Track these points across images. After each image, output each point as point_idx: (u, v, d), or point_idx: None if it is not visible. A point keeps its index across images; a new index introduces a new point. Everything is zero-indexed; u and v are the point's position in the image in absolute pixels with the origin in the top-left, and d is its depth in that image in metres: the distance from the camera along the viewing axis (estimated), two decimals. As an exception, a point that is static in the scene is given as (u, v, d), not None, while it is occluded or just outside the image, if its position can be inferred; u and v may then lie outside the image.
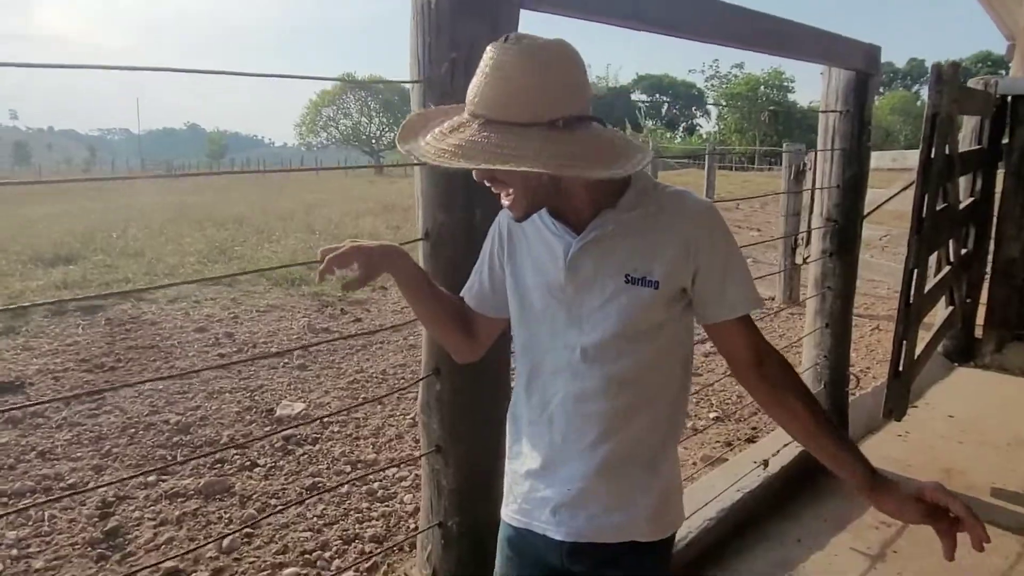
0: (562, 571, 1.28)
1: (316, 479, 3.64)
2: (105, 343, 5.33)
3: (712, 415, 4.50)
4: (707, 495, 2.79)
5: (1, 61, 1.11)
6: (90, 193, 20.69)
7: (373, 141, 58.07)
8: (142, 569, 2.90)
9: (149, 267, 7.84)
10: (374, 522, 3.28)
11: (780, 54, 2.55)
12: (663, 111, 79.13)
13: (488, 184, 1.10)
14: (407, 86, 1.54)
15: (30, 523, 3.25)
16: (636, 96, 76.03)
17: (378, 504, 3.43)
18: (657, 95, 79.46)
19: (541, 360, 1.26)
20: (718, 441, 4.10)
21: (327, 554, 3.02)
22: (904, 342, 2.94)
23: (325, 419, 4.33)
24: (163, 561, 2.95)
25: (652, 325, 1.19)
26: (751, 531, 2.81)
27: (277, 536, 3.14)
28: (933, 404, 4.24)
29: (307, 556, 3.00)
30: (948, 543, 1.08)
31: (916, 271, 2.93)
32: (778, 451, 3.16)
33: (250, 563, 2.96)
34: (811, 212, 3.42)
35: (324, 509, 3.36)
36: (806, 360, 3.44)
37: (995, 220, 4.66)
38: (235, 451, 3.95)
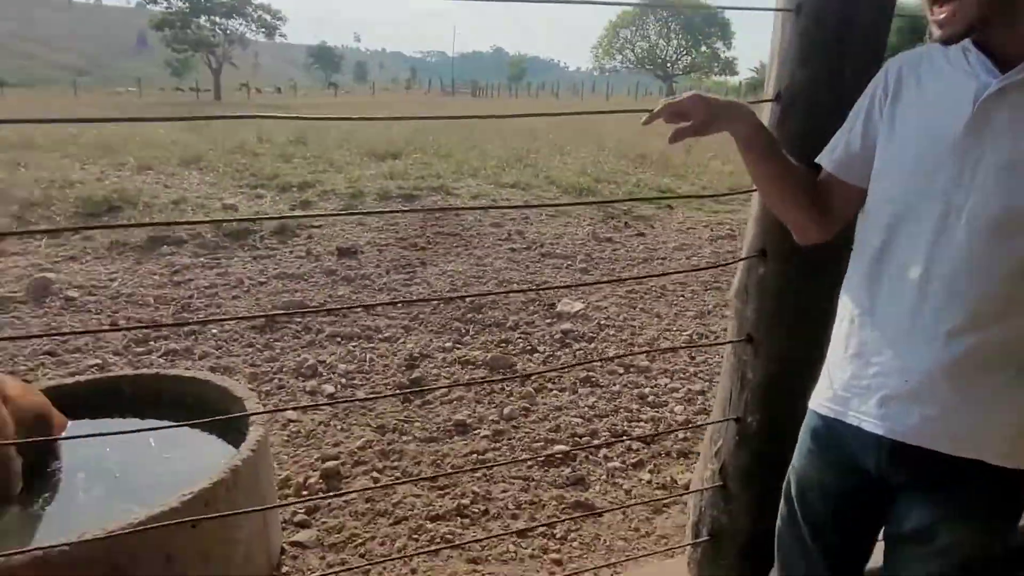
0: (874, 479, 1.08)
1: (589, 373, 3.73)
2: (419, 226, 6.04)
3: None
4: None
5: None
6: (412, 107, 23.38)
7: (668, 65, 56.28)
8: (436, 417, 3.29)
9: (456, 166, 8.64)
10: (642, 424, 3.28)
11: None
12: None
13: None
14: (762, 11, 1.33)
15: (355, 361, 3.86)
16: None
17: (648, 408, 3.42)
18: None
19: (904, 221, 1.02)
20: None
21: (595, 442, 3.10)
22: None
23: (603, 322, 4.41)
24: (454, 414, 3.30)
25: None
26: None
27: (551, 416, 3.31)
28: None
29: (576, 439, 3.11)
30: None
31: None
32: None
33: (526, 432, 3.16)
34: None
35: (595, 402, 3.45)
36: None
37: None
38: (518, 334, 4.23)
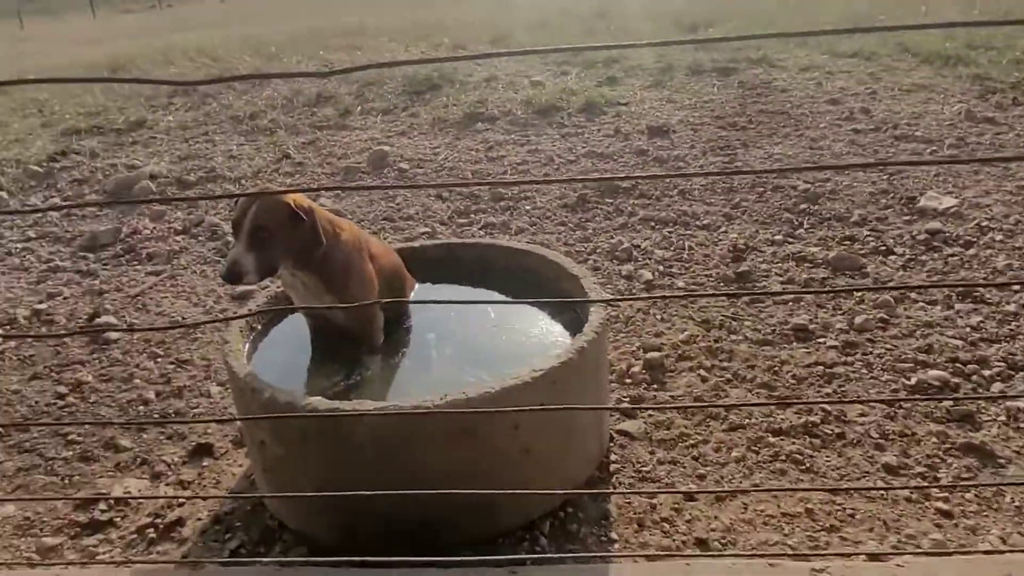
0: None
1: (970, 288, 2.96)
2: (737, 104, 5.37)
3: None
4: None
5: None
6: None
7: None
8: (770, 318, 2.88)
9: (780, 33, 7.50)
10: (1057, 358, 2.51)
11: None
12: None
13: None
14: None
15: (671, 248, 3.56)
16: None
17: (1064, 338, 2.60)
18: None
19: None
20: None
21: (986, 372, 2.44)
22: None
23: (984, 223, 3.48)
24: (791, 316, 2.86)
25: None
26: None
27: (919, 333, 2.69)
28: None
29: (958, 366, 2.48)
30: None
31: None
32: None
33: (886, 348, 2.61)
34: None
35: (981, 323, 2.72)
36: None
37: None
38: (866, 230, 3.53)
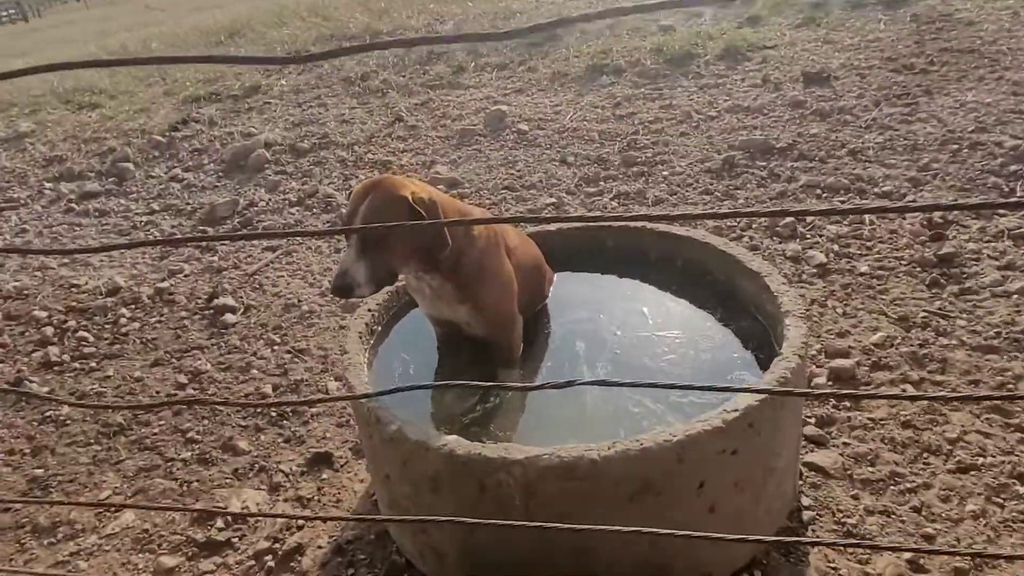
0: None
1: None
2: (912, 42, 4.53)
3: None
4: None
5: None
6: None
7: None
8: None
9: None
10: None
11: None
12: None
13: None
14: None
15: (847, 221, 2.98)
16: None
17: None
18: None
19: None
20: None
21: None
22: None
23: None
24: (1020, 314, 2.26)
25: None
26: None
27: None
28: None
29: None
30: None
31: None
32: None
33: None
34: None
35: None
36: None
37: None
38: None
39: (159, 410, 2.48)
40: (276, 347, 2.77)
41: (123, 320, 3.09)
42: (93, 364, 2.82)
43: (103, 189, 4.59)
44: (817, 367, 2.20)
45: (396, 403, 1.59)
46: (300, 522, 1.91)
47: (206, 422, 2.39)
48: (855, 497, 1.76)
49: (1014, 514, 1.66)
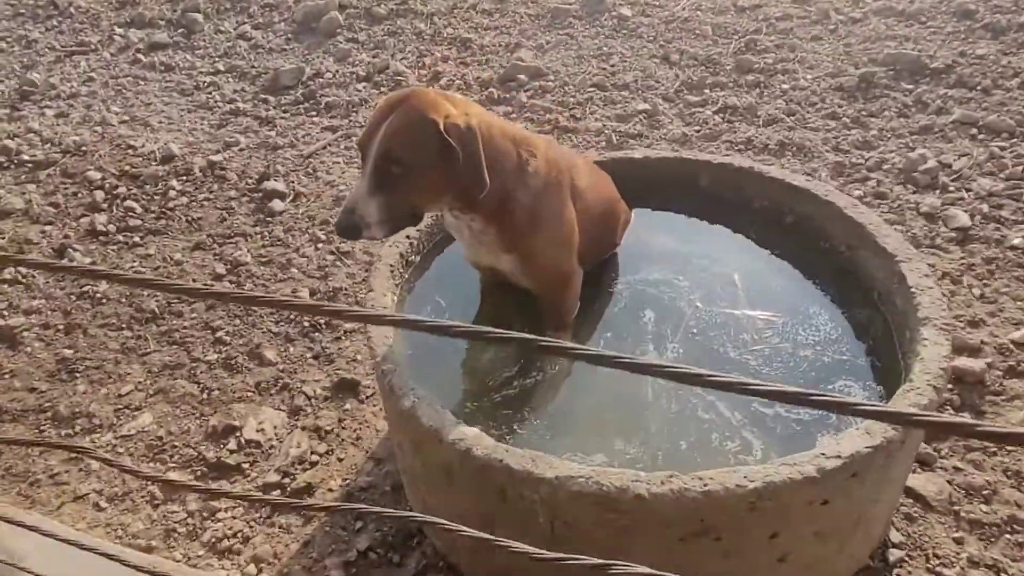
0: None
1: None
2: None
3: None
4: None
5: None
6: None
7: None
8: None
9: None
10: None
11: None
12: None
13: None
14: None
15: (1006, 175, 2.43)
16: None
17: None
18: None
19: None
20: None
21: None
22: None
23: None
24: None
25: None
26: None
27: None
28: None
29: None
30: None
31: None
32: None
33: None
34: None
35: None
36: None
37: None
38: None
39: (193, 301, 2.34)
40: (320, 245, 2.56)
41: (172, 193, 2.93)
42: (137, 239, 2.70)
43: (171, 41, 4.35)
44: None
45: (421, 361, 1.34)
46: (313, 457, 1.75)
47: (237, 321, 2.24)
48: (958, 541, 1.44)
49: None
